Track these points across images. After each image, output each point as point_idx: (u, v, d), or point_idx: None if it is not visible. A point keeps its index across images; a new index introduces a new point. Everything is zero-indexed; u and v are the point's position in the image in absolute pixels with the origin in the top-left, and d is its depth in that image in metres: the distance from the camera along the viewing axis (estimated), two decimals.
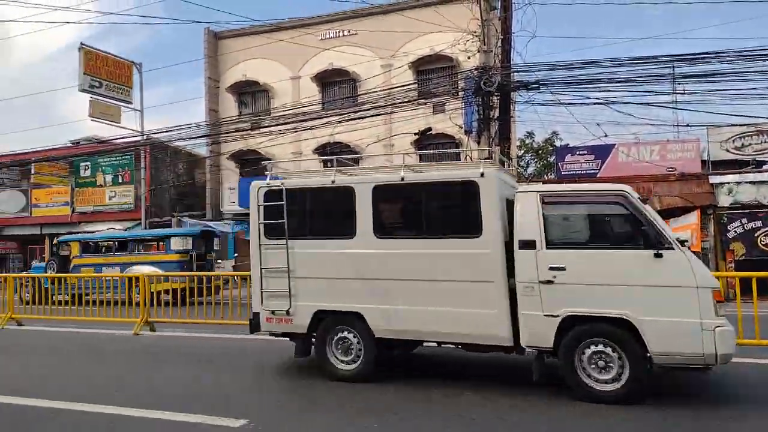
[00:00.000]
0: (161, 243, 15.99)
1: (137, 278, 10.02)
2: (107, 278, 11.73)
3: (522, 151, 37.11)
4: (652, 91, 11.80)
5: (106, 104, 21.45)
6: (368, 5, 21.45)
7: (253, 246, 6.18)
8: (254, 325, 5.94)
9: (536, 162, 38.74)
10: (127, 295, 10.62)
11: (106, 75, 21.31)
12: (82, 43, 20.85)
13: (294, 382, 5.56)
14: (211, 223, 22.13)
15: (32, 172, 23.79)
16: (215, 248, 17.59)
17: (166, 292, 10.75)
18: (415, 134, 18.78)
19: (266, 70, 23.20)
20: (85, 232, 20.75)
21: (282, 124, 18.74)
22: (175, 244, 15.85)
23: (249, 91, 23.89)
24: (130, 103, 22.34)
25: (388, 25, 21.39)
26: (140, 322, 8.99)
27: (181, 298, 9.82)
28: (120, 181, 23.62)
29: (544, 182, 18.36)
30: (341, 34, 22.38)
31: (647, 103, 12.03)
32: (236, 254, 22.44)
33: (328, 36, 22.50)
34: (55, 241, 17.59)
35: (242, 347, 7.64)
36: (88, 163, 23.92)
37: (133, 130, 22.11)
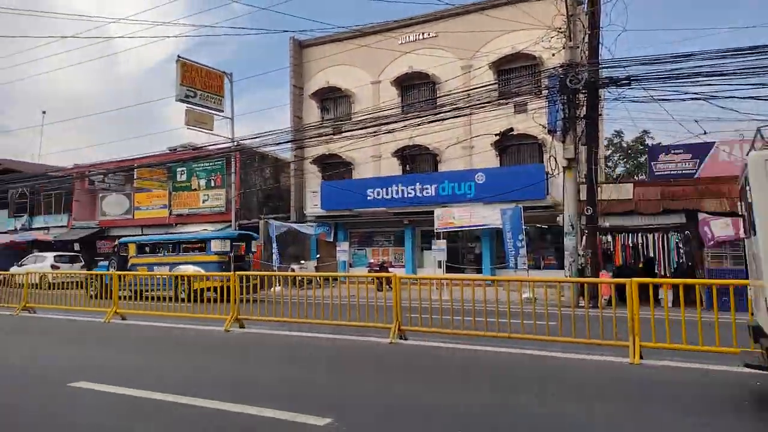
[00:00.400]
0: (203, 245, 17.11)
1: (189, 277, 10.52)
2: (185, 276, 12.39)
3: (609, 151, 35.39)
4: (760, 84, 10.84)
5: (200, 113, 22.76)
6: (449, 6, 21.31)
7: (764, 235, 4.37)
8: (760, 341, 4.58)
9: (625, 162, 36.80)
10: (174, 292, 11.43)
11: (201, 85, 22.62)
12: (179, 56, 22.25)
13: (381, 383, 5.60)
14: (294, 225, 22.87)
15: (135, 177, 25.71)
16: (253, 250, 18.68)
17: (207, 289, 11.42)
18: (496, 135, 18.41)
19: (347, 76, 23.67)
20: (143, 235, 22.05)
21: (362, 128, 19.02)
22: (215, 246, 16.85)
23: (331, 97, 24.47)
24: (222, 111, 23.57)
25: (468, 26, 21.14)
26: (230, 319, 9.42)
27: (221, 295, 10.18)
28: (212, 185, 24.97)
29: (636, 184, 17.35)
30: (421, 37, 22.39)
31: (754, 97, 11.06)
32: (318, 255, 23.05)
33: (407, 40, 22.60)
34: (116, 243, 19.27)
35: (328, 346, 7.80)
36: (184, 168, 25.50)
37: (224, 137, 23.32)
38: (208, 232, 19.53)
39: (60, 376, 5.84)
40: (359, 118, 19.57)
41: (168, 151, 27.04)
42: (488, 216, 18.10)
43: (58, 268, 21.47)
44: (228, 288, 9.77)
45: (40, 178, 29.01)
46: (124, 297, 11.51)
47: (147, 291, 11.48)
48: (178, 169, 25.65)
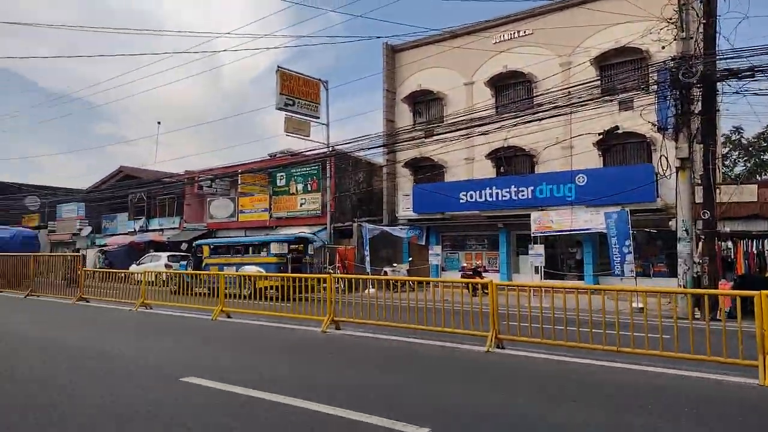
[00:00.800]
0: (265, 247, 18.53)
1: (295, 278, 10.89)
2: (303, 278, 12.81)
3: (727, 149, 32.42)
4: None
5: (298, 120, 23.64)
6: (547, 2, 20.56)
7: None
8: None
9: (745, 161, 33.55)
10: (239, 290, 12.38)
11: (299, 93, 23.50)
12: (279, 66, 23.26)
13: (478, 393, 5.42)
14: (386, 228, 23.06)
15: (239, 182, 27.20)
16: (309, 253, 19.77)
17: (269, 288, 12.04)
18: (599, 134, 17.46)
19: (440, 79, 23.53)
20: (223, 237, 23.13)
21: (455, 131, 18.80)
22: (274, 248, 18.16)
23: (423, 100, 24.45)
24: (318, 117, 24.34)
25: (566, 21, 20.26)
26: (327, 321, 9.61)
27: (283, 294, 10.89)
28: (309, 189, 25.83)
29: (760, 185, 15.69)
30: (516, 35, 21.78)
31: None
32: (410, 258, 23.07)
33: (502, 39, 22.07)
34: (193, 245, 21.24)
35: (424, 352, 7.71)
36: (283, 173, 26.60)
37: (320, 142, 24.07)
38: (269, 236, 21.24)
39: (172, 371, 6.21)
40: (452, 121, 19.38)
41: (268, 157, 28.40)
42: (590, 219, 17.20)
43: (170, 267, 23.16)
44: (286, 288, 10.58)
45: (156, 184, 31.60)
46: (201, 294, 12.71)
47: (226, 288, 12.38)
48: (278, 174, 26.80)
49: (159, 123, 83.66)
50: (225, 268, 18.04)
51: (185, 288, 13.38)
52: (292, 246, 18.72)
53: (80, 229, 35.70)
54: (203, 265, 19.35)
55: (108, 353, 7.48)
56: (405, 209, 23.11)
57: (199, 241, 21.05)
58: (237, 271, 16.69)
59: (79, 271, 16.10)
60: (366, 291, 11.57)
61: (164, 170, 35.72)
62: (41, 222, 38.25)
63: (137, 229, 33.19)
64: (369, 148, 20.76)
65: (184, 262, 22.04)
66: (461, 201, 20.95)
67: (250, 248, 19.13)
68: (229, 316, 11.46)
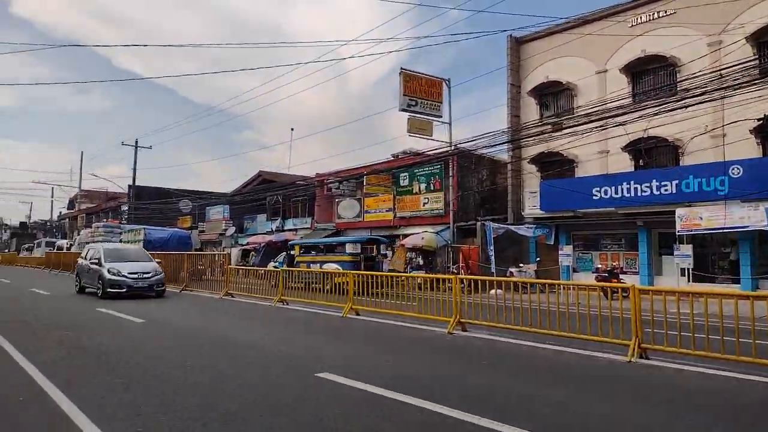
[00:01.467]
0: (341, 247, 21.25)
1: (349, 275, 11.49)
2: (421, 278, 12.87)
3: None
4: None
5: (420, 120, 23.77)
6: None
7: None
8: None
9: None
10: (322, 285, 14.01)
11: (421, 93, 23.62)
12: (402, 68, 23.56)
13: (627, 410, 5.02)
14: (511, 227, 22.38)
15: (364, 183, 28.05)
16: (381, 252, 22.33)
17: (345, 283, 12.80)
18: (759, 120, 15.46)
19: (569, 69, 22.34)
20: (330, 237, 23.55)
21: (587, 123, 17.73)
22: (348, 248, 20.75)
23: (550, 93, 23.38)
24: (440, 116, 24.28)
25: None
26: (453, 322, 9.52)
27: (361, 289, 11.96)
28: (432, 188, 25.88)
29: None
30: (655, 16, 19.99)
31: None
32: (538, 258, 22.19)
33: (639, 21, 20.39)
34: (288, 244, 24.54)
35: (557, 359, 7.35)
36: (406, 173, 26.94)
37: (442, 141, 24.01)
38: (344, 237, 23.94)
39: (308, 366, 6.52)
40: (584, 112, 18.29)
41: (391, 158, 28.95)
42: (748, 216, 15.30)
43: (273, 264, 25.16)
44: (361, 283, 11.73)
45: (290, 187, 33.64)
46: (295, 288, 14.46)
47: (313, 284, 14.38)
48: (401, 175, 27.20)
49: (292, 129, 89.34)
50: (311, 265, 20.35)
51: (283, 283, 14.73)
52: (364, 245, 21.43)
53: (225, 230, 39.09)
54: (295, 262, 21.95)
55: (250, 344, 8.07)
56: (531, 207, 22.25)
57: (292, 241, 23.63)
58: (321, 268, 18.69)
59: (225, 268, 17.62)
60: (492, 292, 11.30)
61: (298, 173, 37.92)
62: (193, 223, 42.45)
63: (274, 229, 35.59)
64: (493, 145, 20.31)
65: (281, 260, 24.72)
66: (594, 197, 19.69)
67: (330, 248, 21.82)
68: (357, 314, 11.83)
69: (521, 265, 21.70)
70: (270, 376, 6.05)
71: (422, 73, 24.36)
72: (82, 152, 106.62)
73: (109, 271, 15.86)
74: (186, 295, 17.61)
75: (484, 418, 4.41)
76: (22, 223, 78.54)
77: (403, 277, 13.04)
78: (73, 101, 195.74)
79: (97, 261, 16.66)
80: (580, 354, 7.50)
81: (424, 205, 26.21)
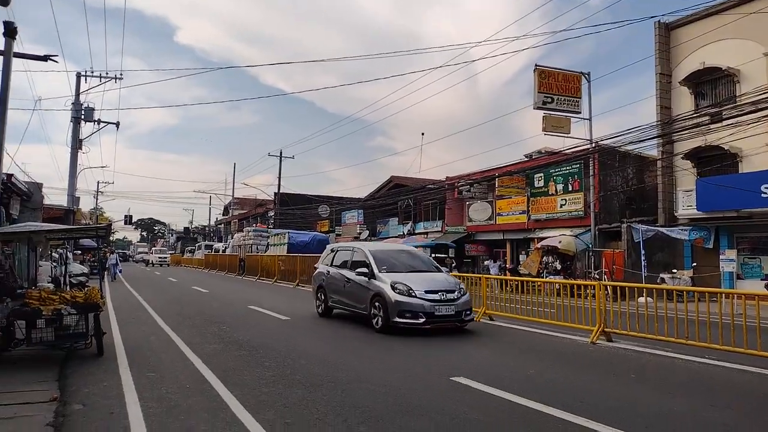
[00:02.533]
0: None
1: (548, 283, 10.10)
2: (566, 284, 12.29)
3: None
4: None
5: (557, 117, 22.75)
6: None
7: None
8: None
9: None
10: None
11: (557, 90, 22.61)
12: (536, 65, 22.76)
13: None
14: (663, 229, 20.53)
15: (496, 185, 27.49)
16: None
17: None
18: None
19: (729, 52, 19.98)
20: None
21: (753, 112, 15.75)
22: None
23: (707, 80, 21.09)
24: (579, 112, 23.03)
25: None
26: (597, 331, 8.96)
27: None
28: (570, 189, 24.62)
29: None
30: None
31: None
32: (694, 264, 20.07)
33: None
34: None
35: (737, 380, 6.59)
36: (541, 174, 25.93)
37: (581, 139, 22.73)
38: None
39: (443, 370, 6.55)
40: (749, 100, 16.25)
41: (525, 159, 28.03)
42: None
43: None
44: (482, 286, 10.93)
45: (421, 191, 34.07)
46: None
47: None
48: (536, 176, 26.24)
49: (423, 134, 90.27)
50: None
51: None
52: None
53: (360, 233, 40.71)
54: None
55: (386, 345, 8.30)
56: (686, 207, 20.19)
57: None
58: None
59: None
60: (641, 299, 10.45)
61: (428, 177, 38.38)
62: (330, 227, 44.82)
63: (405, 233, 36.31)
64: (639, 141, 18.76)
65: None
66: (763, 195, 17.37)
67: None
68: (491, 319, 11.62)
69: (674, 270, 19.78)
70: (408, 378, 6.17)
71: (558, 68, 23.30)
72: (234, 164, 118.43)
73: (394, 288, 9.73)
74: None
75: None
76: (185, 228, 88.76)
77: (539, 283, 12.55)
78: (226, 118, 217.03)
79: (365, 271, 10.58)
80: (748, 371, 6.65)
81: (561, 207, 25.03)
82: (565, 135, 23.01)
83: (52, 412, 4.80)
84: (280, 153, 44.71)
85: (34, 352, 7.11)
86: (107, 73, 26.45)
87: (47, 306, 6.95)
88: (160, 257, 55.92)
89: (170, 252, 68.34)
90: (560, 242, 22.72)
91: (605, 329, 8.94)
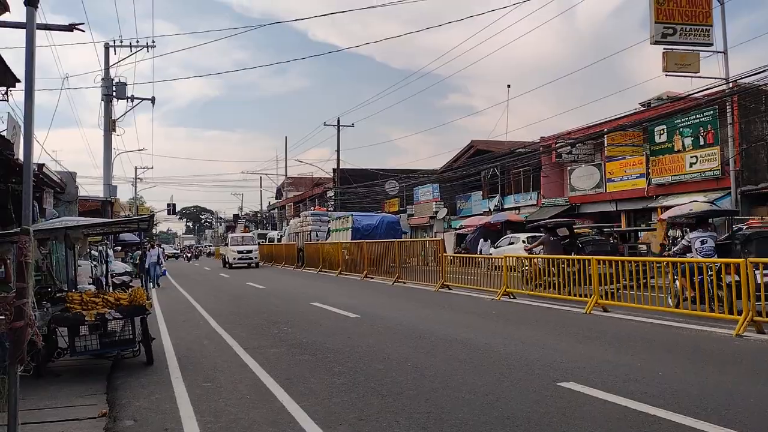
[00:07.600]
0: None
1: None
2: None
3: None
4: None
5: (682, 53, 21.57)
6: None
7: None
8: None
9: None
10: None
11: (680, 17, 21.38)
12: None
13: None
14: None
15: (604, 144, 26.51)
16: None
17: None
18: None
19: None
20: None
21: None
22: None
23: None
24: (711, 45, 21.72)
25: None
26: (743, 321, 8.53)
27: None
28: (701, 143, 23.35)
29: None
30: None
31: None
32: None
33: None
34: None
35: None
36: (663, 126, 24.73)
37: (715, 78, 21.45)
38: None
39: (548, 373, 6.47)
40: None
41: (641, 108, 26.80)
42: None
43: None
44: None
45: (509, 157, 33.46)
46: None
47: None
48: (656, 129, 25.05)
49: (509, 86, 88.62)
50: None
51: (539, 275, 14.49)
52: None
53: (436, 212, 40.68)
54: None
55: (476, 345, 8.29)
56: None
57: None
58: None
59: (440, 257, 18.35)
60: None
61: (517, 140, 37.53)
62: (400, 207, 45.06)
63: (491, 209, 35.89)
64: None
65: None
66: None
67: None
68: (605, 310, 11.33)
69: None
70: (505, 384, 6.15)
71: None
72: (285, 137, 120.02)
73: None
74: (399, 287, 18.82)
75: None
76: (234, 216, 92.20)
77: (662, 263, 12.06)
78: (271, 84, 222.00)
79: None
80: None
81: (691, 166, 23.83)
82: (693, 74, 21.83)
83: (102, 430, 5.16)
84: (338, 121, 45.15)
85: (78, 362, 7.65)
86: (137, 42, 27.62)
87: (89, 310, 7.42)
88: (240, 253, 37.03)
89: (256, 242, 41.52)
90: (691, 210, 21.72)
91: (755, 318, 8.51)
